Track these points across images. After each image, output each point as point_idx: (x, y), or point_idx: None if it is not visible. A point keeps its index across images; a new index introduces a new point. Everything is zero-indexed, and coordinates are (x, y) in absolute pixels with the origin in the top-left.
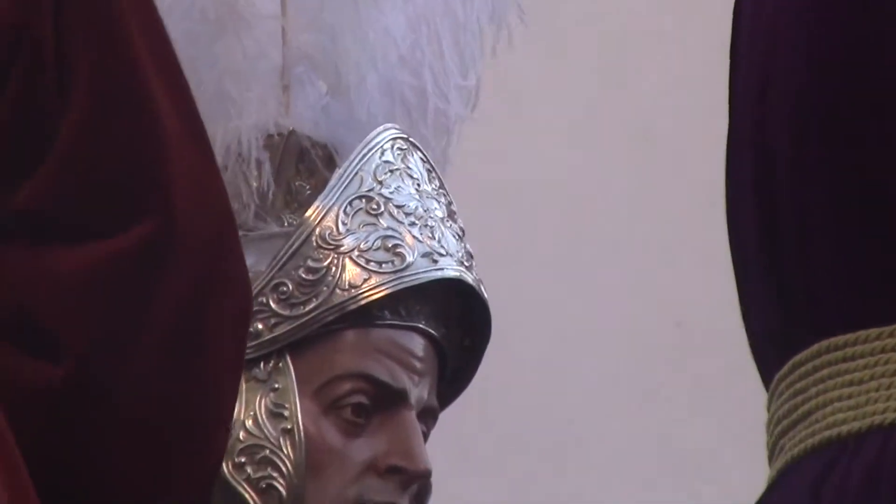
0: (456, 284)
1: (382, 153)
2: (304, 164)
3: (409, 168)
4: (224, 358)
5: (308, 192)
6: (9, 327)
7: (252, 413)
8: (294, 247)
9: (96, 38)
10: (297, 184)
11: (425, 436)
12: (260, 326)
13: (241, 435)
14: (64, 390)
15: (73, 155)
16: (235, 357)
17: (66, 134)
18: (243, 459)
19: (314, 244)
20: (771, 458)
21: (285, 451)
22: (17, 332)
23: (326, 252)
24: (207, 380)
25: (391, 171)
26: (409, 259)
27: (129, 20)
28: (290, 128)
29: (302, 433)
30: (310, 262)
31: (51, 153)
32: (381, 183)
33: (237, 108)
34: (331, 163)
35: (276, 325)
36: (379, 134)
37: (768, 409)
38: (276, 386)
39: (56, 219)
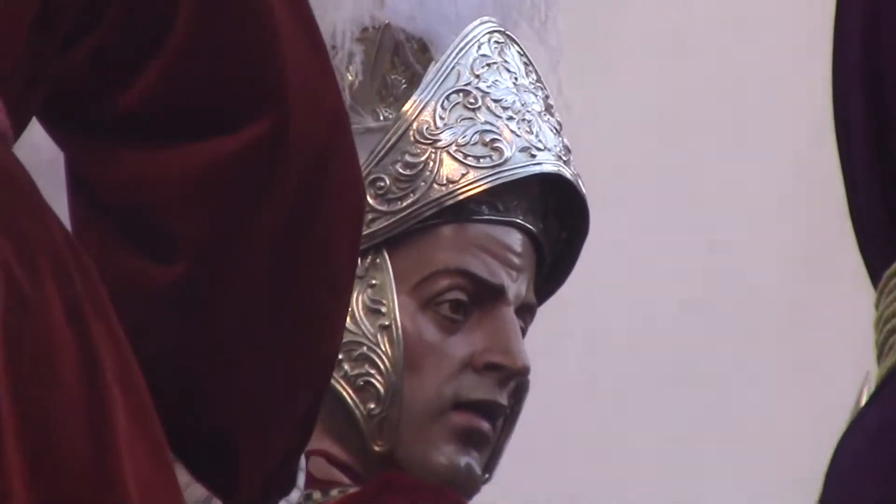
0: (553, 179)
1: (479, 46)
2: (399, 57)
3: (506, 62)
4: (339, 255)
5: (403, 85)
6: (126, 228)
7: (349, 309)
8: (391, 141)
9: None
10: (392, 77)
11: (523, 332)
12: None
13: None
14: (181, 289)
15: (185, 50)
16: (350, 254)
17: (178, 28)
18: (340, 356)
19: (411, 139)
20: (879, 357)
21: (383, 348)
22: (134, 232)
23: (424, 147)
24: (323, 276)
25: (488, 65)
26: (507, 153)
27: None
28: (386, 21)
29: (399, 330)
30: (407, 157)
31: (162, 49)
32: (478, 77)
33: (333, 1)
34: (426, 56)
35: (373, 220)
36: (475, 27)
37: (876, 307)
38: (374, 282)
39: (168, 118)
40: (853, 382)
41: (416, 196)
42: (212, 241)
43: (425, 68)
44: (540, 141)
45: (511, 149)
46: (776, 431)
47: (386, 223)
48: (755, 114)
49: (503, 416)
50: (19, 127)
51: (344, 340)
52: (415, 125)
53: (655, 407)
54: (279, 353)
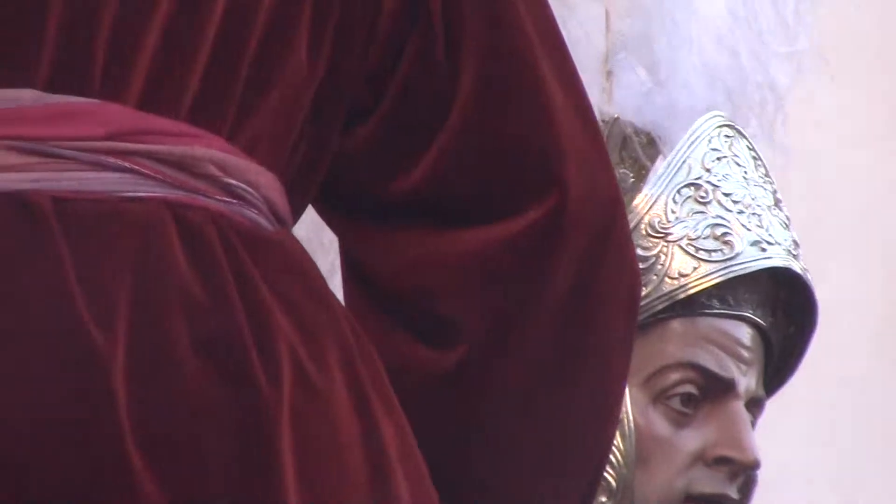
0: (783, 273)
1: (709, 140)
2: (627, 151)
3: (735, 155)
4: (616, 335)
5: (631, 179)
6: (403, 312)
7: None
8: None
9: (483, 6)
10: (620, 171)
11: (752, 425)
12: None
13: None
14: (461, 374)
15: (463, 131)
16: (626, 335)
17: (456, 109)
18: None
19: (643, 232)
20: None
21: (615, 442)
22: (411, 317)
23: (656, 240)
24: (602, 355)
25: (718, 159)
26: (738, 247)
27: None
28: (615, 115)
29: (631, 423)
30: (639, 251)
31: (441, 129)
32: (708, 171)
33: None
34: (653, 150)
35: None
36: (705, 121)
37: None
38: None
39: (447, 200)
40: None
41: (648, 290)
42: (492, 325)
43: (653, 162)
44: (770, 235)
45: (742, 243)
46: None
47: None
48: None
49: None
50: (298, 211)
51: None
52: (646, 219)
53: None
54: (557, 434)
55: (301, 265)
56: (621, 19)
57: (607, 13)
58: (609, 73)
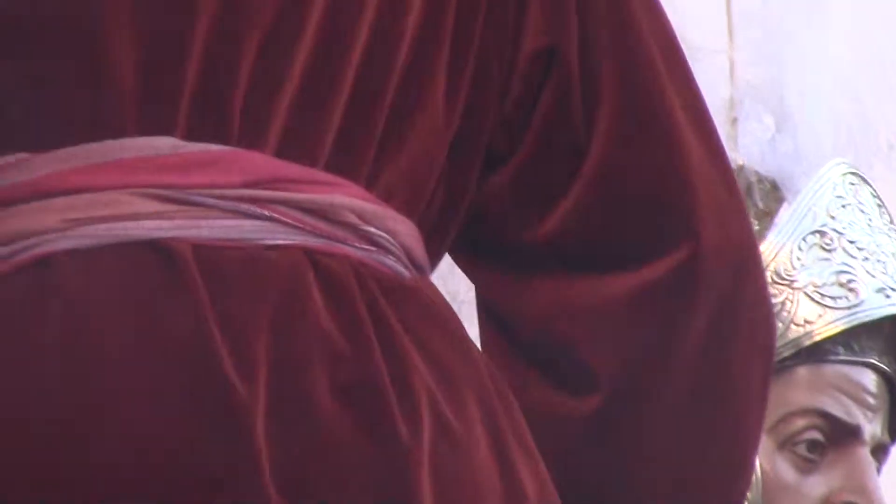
0: None
1: (834, 188)
2: (752, 198)
3: (860, 203)
4: (751, 386)
5: (756, 227)
6: (539, 358)
7: None
8: None
9: (619, 53)
10: None
11: (877, 471)
12: None
13: None
14: (599, 421)
15: (600, 177)
16: (761, 385)
17: (593, 154)
18: None
19: (769, 279)
20: None
21: None
22: (546, 362)
23: (781, 287)
24: (734, 407)
25: (843, 206)
26: (863, 294)
27: (645, 32)
28: (740, 162)
29: (758, 470)
30: None
31: (579, 175)
32: (833, 218)
33: None
34: (777, 197)
35: None
36: (830, 169)
37: None
38: None
39: (584, 246)
40: None
41: None
42: (631, 371)
43: (777, 209)
44: (895, 282)
45: (867, 290)
46: None
47: None
48: None
49: None
50: (435, 258)
51: None
52: (772, 266)
53: None
54: (693, 480)
55: (440, 313)
56: (746, 68)
57: (732, 62)
58: (734, 121)
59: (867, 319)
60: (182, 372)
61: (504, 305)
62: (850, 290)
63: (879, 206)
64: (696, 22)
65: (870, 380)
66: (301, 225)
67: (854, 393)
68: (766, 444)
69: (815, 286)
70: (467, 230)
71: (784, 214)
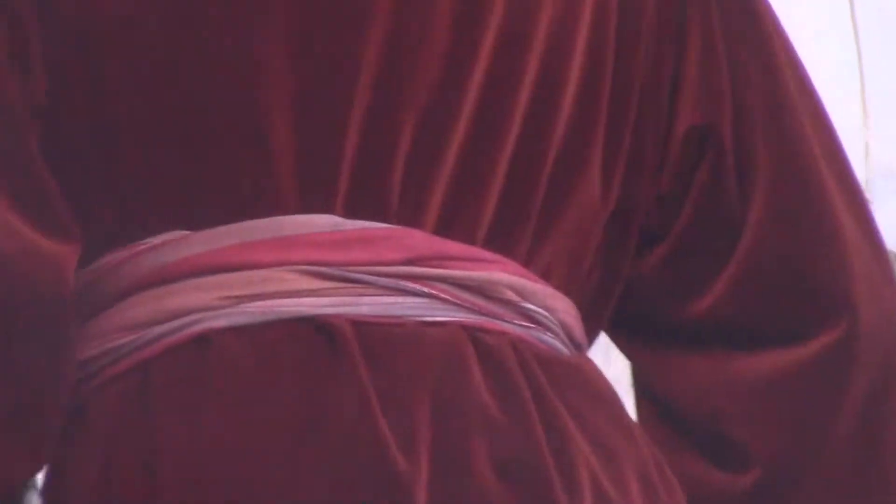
0: None
1: None
2: None
3: None
4: None
5: None
6: (693, 435)
7: None
8: None
9: (772, 127)
10: None
11: None
12: None
13: None
14: (750, 496)
15: (754, 257)
16: None
17: (747, 235)
18: None
19: None
20: None
21: None
22: (700, 440)
23: None
24: (884, 488)
25: None
26: None
27: (796, 103)
28: None
29: None
30: None
31: (732, 256)
32: None
33: None
34: None
35: None
36: None
37: None
38: None
39: (737, 325)
40: None
41: None
42: (784, 450)
43: None
44: None
45: None
46: None
47: None
48: None
49: None
50: (592, 335)
51: None
52: None
53: None
54: None
55: (599, 389)
56: (880, 145)
57: (867, 145)
58: (869, 202)
59: None
60: (345, 446)
61: (660, 382)
62: None
63: None
64: (831, 103)
65: None
66: (460, 302)
67: None
68: None
69: None
70: (622, 308)
71: None
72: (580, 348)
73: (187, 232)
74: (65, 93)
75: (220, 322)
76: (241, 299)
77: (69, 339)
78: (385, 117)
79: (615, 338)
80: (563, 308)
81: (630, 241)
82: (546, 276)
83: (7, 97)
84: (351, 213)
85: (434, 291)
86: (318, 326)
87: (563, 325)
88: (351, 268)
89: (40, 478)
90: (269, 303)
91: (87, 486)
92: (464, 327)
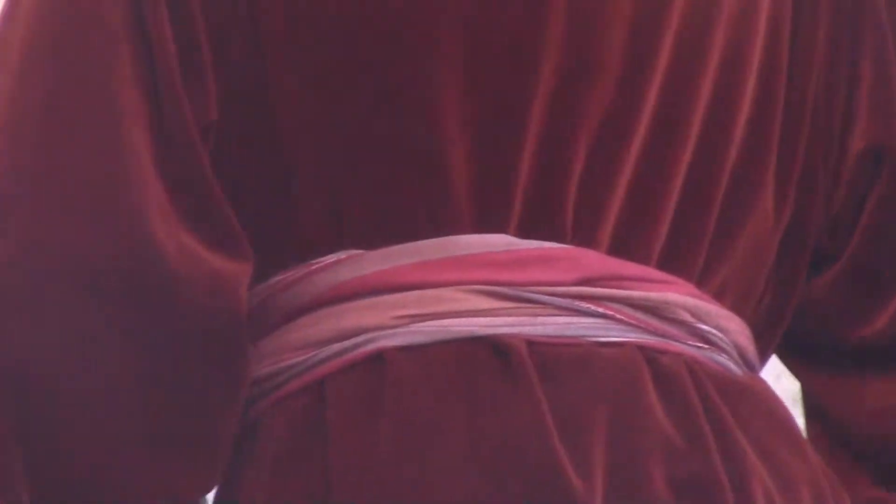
0: None
1: None
2: None
3: None
4: None
5: None
6: (872, 460)
7: None
8: None
9: None
10: None
11: None
12: None
13: None
14: None
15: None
16: None
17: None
18: None
19: None
20: None
21: None
22: (880, 465)
23: None
24: None
25: None
26: None
27: None
28: None
29: None
30: None
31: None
32: None
33: None
34: None
35: None
36: None
37: None
38: None
39: None
40: None
41: None
42: None
43: None
44: None
45: None
46: None
47: None
48: None
49: None
50: (764, 357)
51: None
52: None
53: None
54: None
55: (774, 411)
56: None
57: None
58: None
59: None
60: (521, 467)
61: (832, 404)
62: None
63: None
64: None
65: None
66: (635, 322)
67: None
68: None
69: None
70: (794, 330)
71: None
72: (753, 369)
73: (361, 251)
74: (235, 108)
75: (395, 341)
76: (415, 318)
77: (245, 361)
78: (559, 140)
79: (786, 359)
80: (736, 329)
81: (803, 262)
82: (719, 296)
83: (182, 114)
84: (524, 235)
85: (609, 312)
86: (493, 346)
87: (737, 346)
88: (526, 288)
89: (210, 497)
90: (443, 322)
91: None
92: (639, 348)
